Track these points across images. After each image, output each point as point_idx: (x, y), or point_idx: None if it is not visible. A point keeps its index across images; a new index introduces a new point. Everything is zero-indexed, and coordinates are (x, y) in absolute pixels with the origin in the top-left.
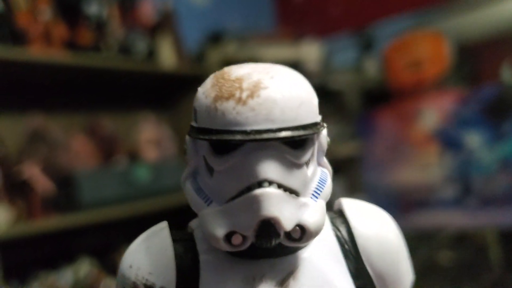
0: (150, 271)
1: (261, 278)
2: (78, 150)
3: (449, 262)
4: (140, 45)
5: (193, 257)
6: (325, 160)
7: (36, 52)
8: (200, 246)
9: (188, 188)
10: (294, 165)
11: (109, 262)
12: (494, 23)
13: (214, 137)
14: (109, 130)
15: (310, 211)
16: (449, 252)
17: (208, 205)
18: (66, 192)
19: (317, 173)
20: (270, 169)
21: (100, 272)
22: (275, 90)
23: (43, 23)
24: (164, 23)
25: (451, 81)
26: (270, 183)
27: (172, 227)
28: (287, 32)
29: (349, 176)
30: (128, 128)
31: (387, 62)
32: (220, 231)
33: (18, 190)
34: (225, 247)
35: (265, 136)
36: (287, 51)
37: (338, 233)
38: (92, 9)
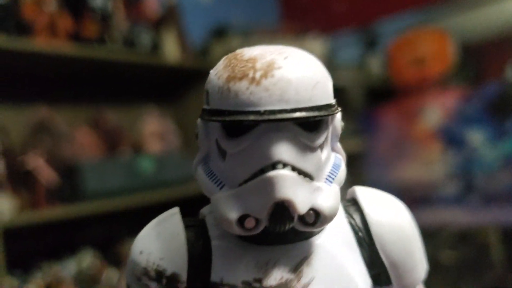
0: (161, 257)
1: (274, 263)
2: (82, 142)
3: (451, 260)
4: (145, 38)
5: (204, 243)
6: (339, 146)
7: (41, 44)
8: (212, 232)
9: (200, 173)
10: (308, 148)
11: (111, 254)
12: (498, 22)
13: (227, 118)
14: (113, 123)
15: (324, 195)
16: (451, 250)
17: (220, 189)
18: (70, 182)
19: (331, 158)
20: (284, 151)
21: (102, 264)
22: (289, 70)
23: (49, 14)
24: (169, 17)
25: (454, 79)
26: (284, 165)
27: (183, 213)
28: (291, 27)
29: (352, 173)
30: (132, 121)
31: (391, 59)
32: (233, 215)
33: (23, 181)
34: (238, 231)
35: (279, 116)
36: (290, 46)
37: (352, 221)
38: (97, 2)
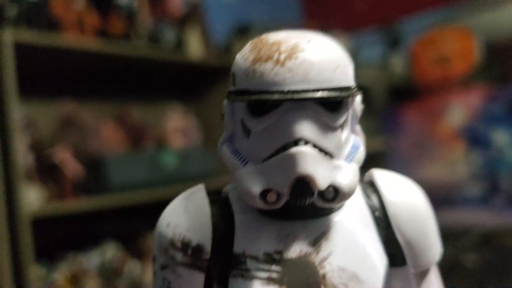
0: (187, 228)
1: (294, 237)
2: (107, 137)
3: (475, 263)
4: (169, 35)
5: (228, 217)
6: (358, 128)
7: (69, 40)
8: (235, 207)
9: (225, 151)
10: (329, 127)
11: (134, 247)
12: None
13: (252, 98)
14: (137, 118)
15: (344, 173)
16: (474, 253)
17: (244, 165)
18: (95, 175)
19: (351, 139)
20: (306, 128)
21: (125, 256)
22: (312, 52)
23: (77, 11)
24: (192, 15)
25: (479, 78)
26: (306, 142)
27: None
28: (314, 25)
29: None
30: (156, 117)
31: (414, 58)
32: (256, 189)
33: (50, 173)
34: (260, 204)
35: (302, 95)
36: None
37: (369, 201)
38: None
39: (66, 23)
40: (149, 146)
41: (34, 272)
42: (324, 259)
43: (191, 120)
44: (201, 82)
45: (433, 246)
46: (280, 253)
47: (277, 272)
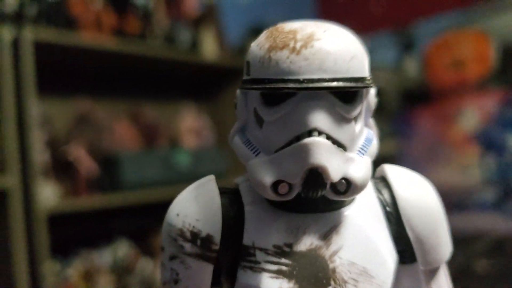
0: (197, 219)
1: (304, 229)
2: (122, 135)
3: (487, 269)
4: (184, 35)
5: (238, 208)
6: (372, 121)
7: (86, 38)
8: (245, 199)
9: (237, 141)
10: (343, 119)
11: (146, 245)
12: None
13: (267, 86)
14: (151, 117)
15: (356, 165)
16: (487, 259)
17: (256, 155)
18: (109, 173)
19: (364, 132)
20: (320, 119)
21: (137, 254)
22: (328, 41)
23: (95, 11)
24: (208, 16)
25: (494, 82)
26: (320, 133)
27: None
28: None
29: None
30: (170, 116)
31: (429, 61)
32: (267, 179)
33: (65, 170)
34: (271, 195)
35: (318, 84)
36: None
37: (381, 196)
38: None
39: (84, 22)
40: (163, 145)
41: (49, 267)
42: (334, 253)
43: (204, 120)
44: (215, 83)
45: (443, 244)
46: (290, 246)
47: (286, 265)
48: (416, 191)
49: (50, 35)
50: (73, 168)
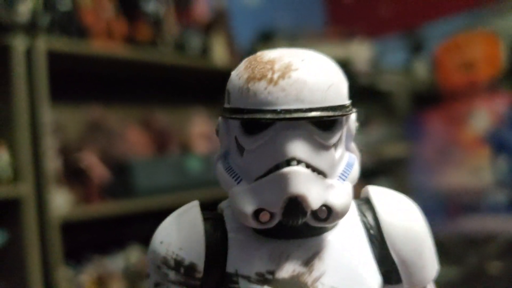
0: (180, 247)
1: (287, 256)
2: (133, 141)
3: (498, 271)
4: (194, 42)
5: (222, 235)
6: (353, 145)
7: (98, 46)
8: (229, 225)
9: (219, 168)
10: (322, 146)
11: None
12: None
13: (245, 116)
14: (162, 123)
15: (337, 192)
16: (499, 260)
17: (238, 183)
18: (121, 179)
19: (345, 157)
20: (298, 148)
21: None
22: (305, 71)
23: (106, 19)
24: (218, 21)
25: (505, 83)
26: (299, 162)
27: (202, 207)
28: (337, 31)
29: (397, 178)
30: (181, 122)
31: (438, 64)
32: (248, 208)
33: (77, 177)
34: (253, 223)
35: (295, 115)
36: (337, 51)
37: (364, 219)
38: (150, 6)
39: (96, 30)
40: (174, 151)
41: (62, 273)
42: (316, 279)
43: (215, 126)
44: (225, 88)
45: (428, 264)
46: (272, 273)
47: None
48: (400, 214)
49: (63, 44)
50: (86, 175)
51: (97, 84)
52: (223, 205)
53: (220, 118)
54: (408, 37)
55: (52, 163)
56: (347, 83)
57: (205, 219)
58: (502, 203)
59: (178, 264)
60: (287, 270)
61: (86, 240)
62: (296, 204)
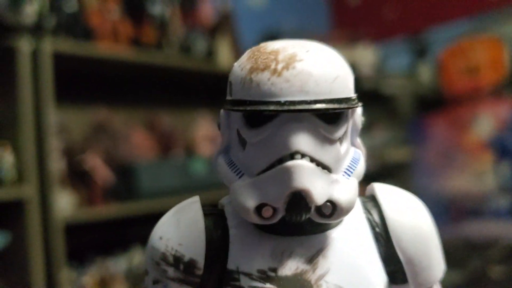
0: (180, 243)
1: (290, 253)
2: (138, 143)
3: (501, 275)
4: (200, 44)
5: (223, 231)
6: (359, 141)
7: (104, 48)
8: (230, 221)
9: (220, 162)
10: (327, 140)
11: None
12: None
13: (248, 108)
14: (167, 126)
15: (342, 188)
16: (501, 265)
17: (239, 178)
18: (126, 181)
19: (350, 152)
20: (303, 141)
21: None
22: (310, 62)
23: (112, 21)
24: (223, 24)
25: (509, 88)
26: (303, 156)
27: (203, 203)
28: (342, 35)
29: (400, 182)
30: (186, 125)
31: (443, 68)
32: (250, 203)
33: (81, 178)
34: (255, 219)
35: (299, 107)
36: (341, 54)
37: (370, 216)
38: (156, 9)
39: (101, 32)
40: (178, 153)
41: (65, 275)
42: (320, 277)
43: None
44: None
45: (435, 263)
46: (274, 270)
47: None
48: (406, 212)
49: (68, 46)
50: (89, 177)
51: (102, 86)
52: (223, 201)
53: (222, 111)
54: (412, 41)
55: (56, 164)
56: (353, 76)
57: (206, 215)
58: (504, 208)
59: (177, 261)
60: (290, 268)
61: (89, 241)
62: (299, 199)
